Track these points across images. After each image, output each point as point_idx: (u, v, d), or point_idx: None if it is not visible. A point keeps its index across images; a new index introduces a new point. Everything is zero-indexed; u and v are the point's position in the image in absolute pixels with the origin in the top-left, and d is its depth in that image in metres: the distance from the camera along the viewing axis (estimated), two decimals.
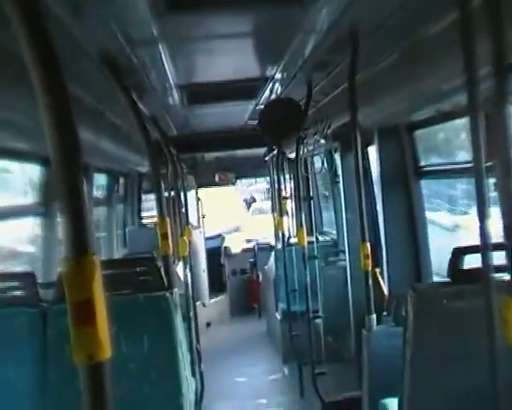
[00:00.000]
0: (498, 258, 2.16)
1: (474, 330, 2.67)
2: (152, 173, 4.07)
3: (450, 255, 2.97)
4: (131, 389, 3.14)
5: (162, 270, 3.55)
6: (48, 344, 3.13)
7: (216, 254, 13.06)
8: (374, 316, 4.03)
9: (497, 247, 2.11)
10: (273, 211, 10.38)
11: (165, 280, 3.47)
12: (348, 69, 4.11)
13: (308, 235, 7.65)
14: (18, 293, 3.30)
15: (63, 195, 1.41)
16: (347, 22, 3.67)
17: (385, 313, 4.50)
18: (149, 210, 11.50)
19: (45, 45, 1.39)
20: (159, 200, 4.02)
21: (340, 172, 6.56)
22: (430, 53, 3.52)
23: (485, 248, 2.07)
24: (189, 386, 3.62)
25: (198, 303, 9.74)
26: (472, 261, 2.74)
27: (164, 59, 4.19)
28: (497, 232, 2.08)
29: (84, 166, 6.29)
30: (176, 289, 3.54)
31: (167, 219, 4.06)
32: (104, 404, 1.44)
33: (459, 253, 2.91)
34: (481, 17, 1.97)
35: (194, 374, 6.41)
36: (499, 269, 2.13)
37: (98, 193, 8.24)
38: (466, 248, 2.93)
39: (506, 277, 2.08)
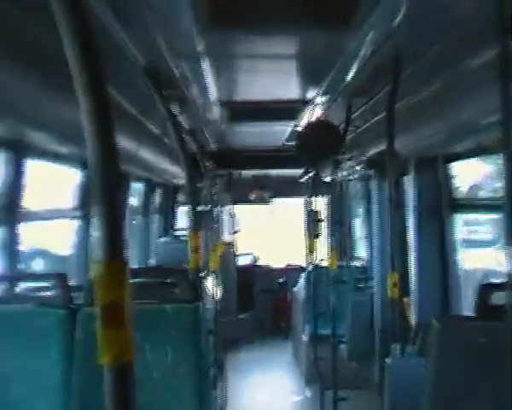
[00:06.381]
0: None
1: (497, 367, 2.66)
2: (187, 186, 4.11)
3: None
4: (153, 397, 3.16)
5: (191, 283, 3.59)
6: (75, 345, 3.18)
7: (247, 271, 13.08)
8: (398, 345, 4.01)
9: None
10: (306, 232, 10.37)
11: (193, 293, 3.51)
12: (388, 96, 4.12)
13: (339, 259, 7.65)
14: (49, 293, 3.36)
15: (99, 198, 1.44)
16: (391, 49, 3.69)
17: (410, 344, 4.48)
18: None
19: (90, 52, 1.43)
20: (192, 213, 4.07)
21: (374, 198, 6.56)
22: (471, 86, 3.52)
23: (510, 286, 2.06)
24: (210, 398, 3.63)
25: (225, 319, 9.77)
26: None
27: (206, 74, 4.25)
28: None
29: (123, 173, 6.40)
30: (203, 303, 3.57)
31: (199, 233, 4.11)
32: (129, 405, 1.47)
33: (486, 289, 2.90)
34: None
35: (216, 388, 6.43)
36: None
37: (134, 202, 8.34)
38: (493, 284, 2.92)
39: None
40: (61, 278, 3.35)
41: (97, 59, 1.44)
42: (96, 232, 1.44)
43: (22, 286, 3.54)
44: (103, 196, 1.44)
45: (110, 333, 1.44)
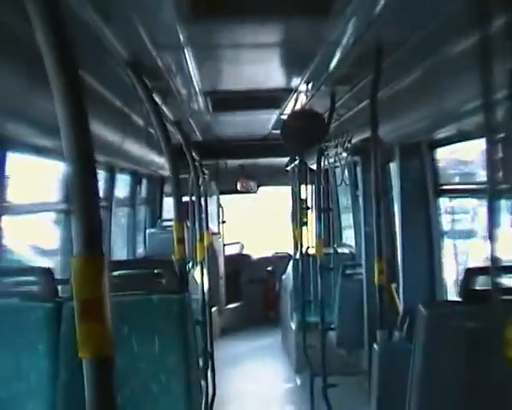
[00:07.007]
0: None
1: (483, 351, 2.69)
2: (172, 177, 4.11)
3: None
4: (140, 389, 3.16)
5: (177, 273, 3.59)
6: (61, 339, 3.18)
7: (234, 260, 13.08)
8: (385, 331, 4.03)
9: (509, 269, 2.12)
10: (293, 221, 10.39)
11: (179, 284, 3.51)
12: (371, 84, 4.13)
13: (327, 246, 7.66)
14: (35, 288, 3.35)
15: (76, 193, 1.44)
16: (372, 37, 3.70)
17: (398, 329, 4.51)
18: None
19: (64, 47, 1.41)
20: (177, 204, 4.07)
21: (360, 185, 6.57)
22: (453, 72, 3.54)
23: (494, 270, 2.08)
24: (199, 389, 3.63)
25: (214, 309, 9.77)
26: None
27: (189, 65, 4.24)
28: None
29: (109, 166, 6.39)
30: (189, 293, 3.57)
31: (185, 224, 4.10)
32: (109, 399, 1.47)
33: (470, 273, 2.91)
34: (501, 40, 1.99)
35: (206, 378, 6.44)
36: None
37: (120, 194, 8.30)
38: (477, 269, 2.94)
39: None
40: (46, 272, 3.34)
41: (72, 52, 1.42)
42: (73, 228, 1.44)
43: (7, 280, 3.53)
44: (79, 191, 1.43)
45: (88, 328, 1.45)
